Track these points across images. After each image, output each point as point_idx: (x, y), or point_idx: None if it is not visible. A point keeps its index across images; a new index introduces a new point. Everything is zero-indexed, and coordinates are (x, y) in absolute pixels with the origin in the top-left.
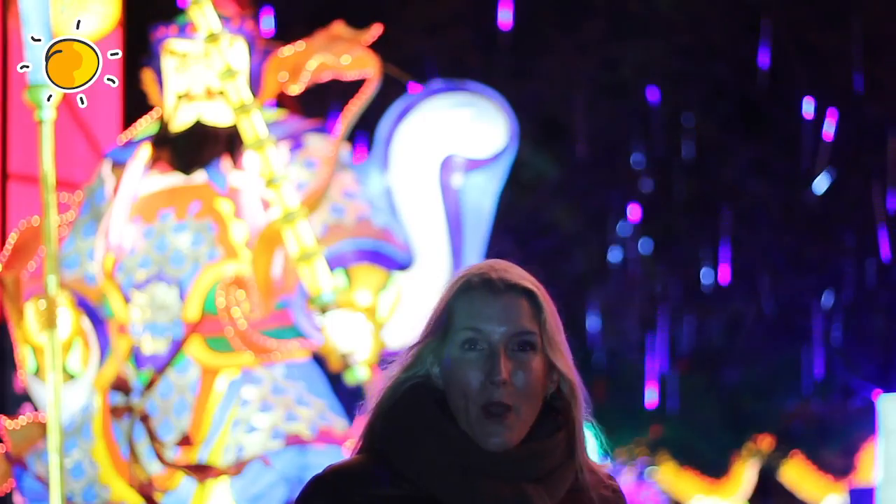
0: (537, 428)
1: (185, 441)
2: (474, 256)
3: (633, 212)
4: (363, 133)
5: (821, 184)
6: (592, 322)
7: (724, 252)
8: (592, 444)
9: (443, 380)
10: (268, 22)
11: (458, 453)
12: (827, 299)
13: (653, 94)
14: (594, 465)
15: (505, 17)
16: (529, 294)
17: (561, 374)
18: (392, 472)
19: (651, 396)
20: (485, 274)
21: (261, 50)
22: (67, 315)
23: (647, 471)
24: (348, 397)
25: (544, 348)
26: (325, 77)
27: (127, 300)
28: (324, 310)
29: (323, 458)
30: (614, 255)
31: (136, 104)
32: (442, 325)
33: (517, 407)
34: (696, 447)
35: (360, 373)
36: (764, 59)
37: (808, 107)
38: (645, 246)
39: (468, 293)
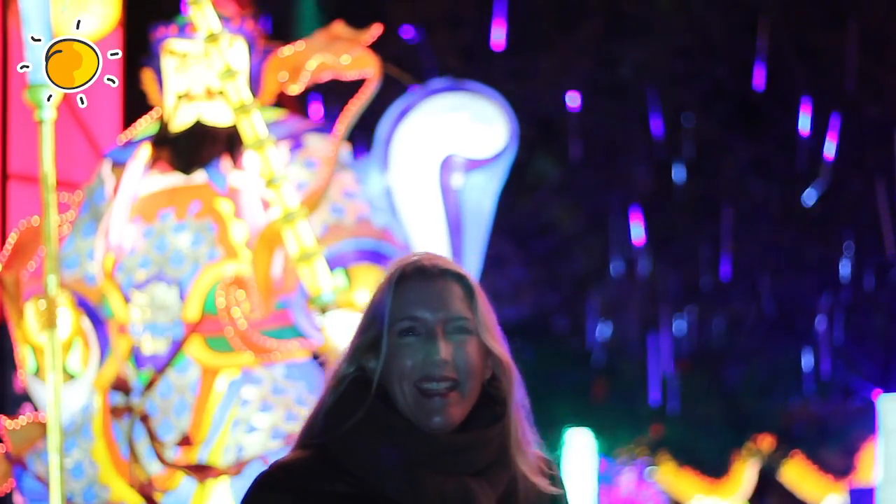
0: (476, 417)
1: (185, 441)
2: (474, 256)
3: (634, 212)
4: (363, 133)
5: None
6: (592, 322)
7: (724, 252)
8: (591, 443)
9: (382, 371)
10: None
11: (400, 442)
12: (827, 299)
13: (652, 94)
14: (529, 453)
15: (504, 17)
16: (461, 279)
17: (496, 359)
18: (335, 467)
19: (651, 396)
20: (417, 262)
21: (261, 50)
22: (67, 315)
23: (647, 471)
24: None
25: (479, 332)
26: (325, 77)
27: (127, 300)
28: (324, 310)
29: None
30: (614, 254)
31: (136, 104)
32: (380, 317)
33: (456, 384)
34: (696, 447)
35: None
36: (763, 58)
37: (807, 106)
38: (645, 246)
39: (402, 283)
